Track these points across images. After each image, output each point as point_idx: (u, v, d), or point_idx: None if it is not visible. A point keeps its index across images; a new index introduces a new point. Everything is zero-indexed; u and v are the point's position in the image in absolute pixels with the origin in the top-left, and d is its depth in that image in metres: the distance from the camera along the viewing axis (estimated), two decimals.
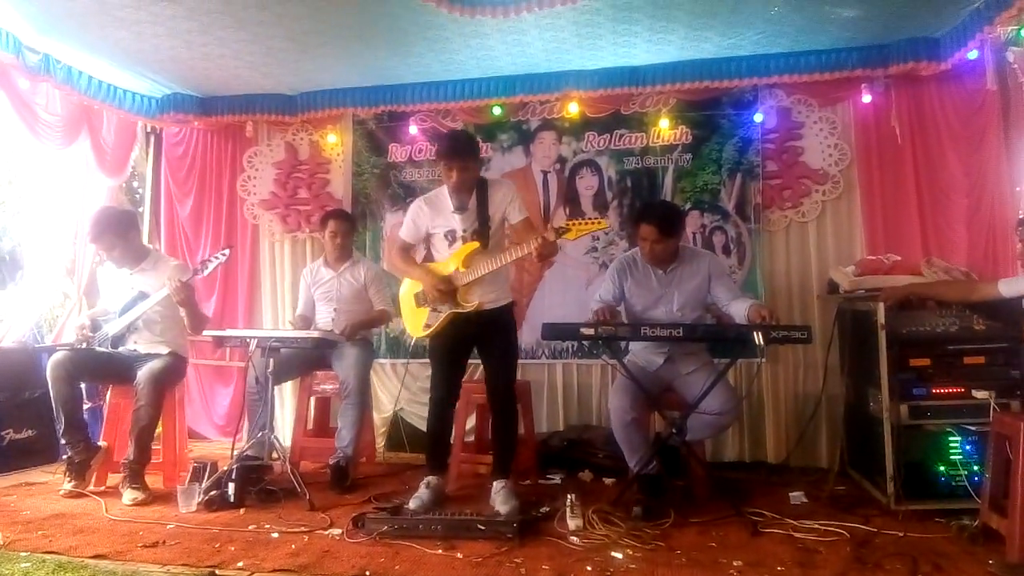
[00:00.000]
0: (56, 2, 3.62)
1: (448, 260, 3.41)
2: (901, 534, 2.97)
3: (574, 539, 2.94)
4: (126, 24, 3.86)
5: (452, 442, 3.99)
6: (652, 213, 3.59)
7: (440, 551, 2.80)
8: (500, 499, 3.31)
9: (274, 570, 2.65)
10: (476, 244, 3.33)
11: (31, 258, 4.53)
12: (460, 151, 3.30)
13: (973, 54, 3.94)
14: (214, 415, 5.23)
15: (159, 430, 3.87)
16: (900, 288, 3.38)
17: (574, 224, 3.12)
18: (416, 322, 3.53)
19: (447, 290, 3.32)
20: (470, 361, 3.65)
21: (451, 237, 3.41)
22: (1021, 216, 3.55)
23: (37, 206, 4.60)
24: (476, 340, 3.48)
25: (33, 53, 4.08)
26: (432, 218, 3.44)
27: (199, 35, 4.02)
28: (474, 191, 3.36)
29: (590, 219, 3.18)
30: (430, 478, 3.46)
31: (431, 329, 3.44)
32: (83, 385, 3.97)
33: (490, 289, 3.38)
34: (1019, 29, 3.66)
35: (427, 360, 4.18)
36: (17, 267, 4.96)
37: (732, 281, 3.97)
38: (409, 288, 3.58)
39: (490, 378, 3.49)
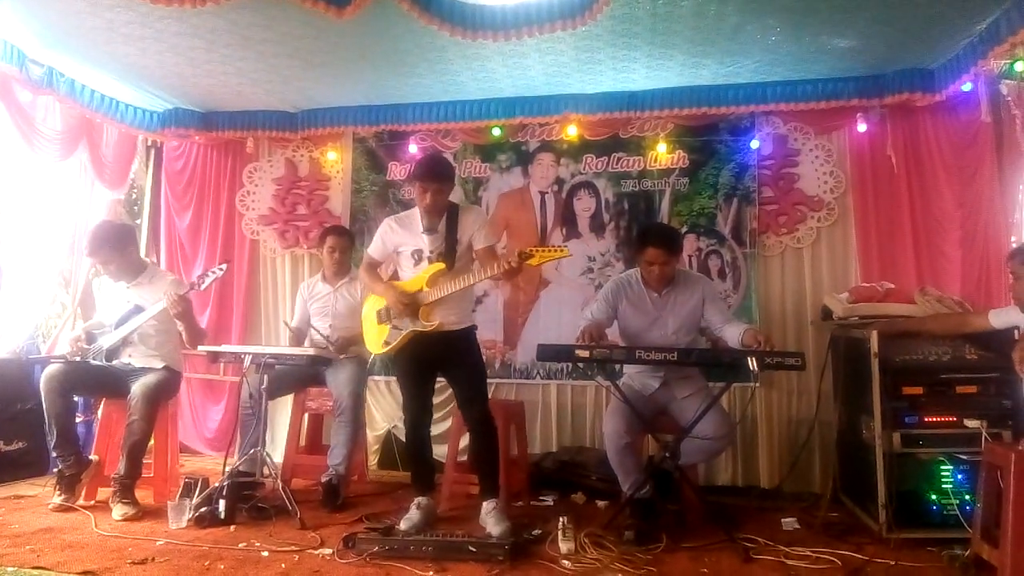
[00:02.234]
0: (63, 18, 3.66)
1: (413, 280, 3.44)
2: (893, 563, 2.97)
3: (566, 563, 2.92)
4: (131, 40, 3.90)
5: (444, 462, 4.01)
6: (657, 236, 3.62)
7: (431, 573, 2.79)
8: (492, 520, 3.29)
9: None
10: (442, 265, 3.37)
11: (24, 269, 4.52)
12: (436, 174, 3.36)
13: (967, 86, 4.00)
14: (205, 429, 5.21)
15: (151, 444, 3.85)
16: (893, 325, 3.43)
17: (538, 251, 3.14)
18: (376, 339, 3.55)
19: (410, 303, 3.35)
20: None
21: (417, 257, 3.45)
22: (1013, 248, 3.58)
23: (31, 216, 4.60)
24: (440, 363, 3.48)
25: (37, 66, 4.11)
26: (401, 237, 3.49)
27: (203, 52, 4.06)
28: (445, 214, 3.41)
29: (555, 247, 3.22)
30: (420, 499, 3.45)
31: (390, 347, 3.45)
32: (77, 398, 3.95)
33: (452, 310, 3.39)
34: (1012, 63, 3.71)
35: None
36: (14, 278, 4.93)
37: (726, 305, 3.99)
38: (372, 305, 3.61)
39: (462, 402, 3.49)
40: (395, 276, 3.66)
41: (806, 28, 3.69)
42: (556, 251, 3.20)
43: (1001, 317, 3.08)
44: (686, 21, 3.61)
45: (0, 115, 4.16)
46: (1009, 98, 4.00)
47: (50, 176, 4.62)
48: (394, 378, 4.84)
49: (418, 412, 3.51)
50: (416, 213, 3.46)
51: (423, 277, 3.38)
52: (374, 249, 3.60)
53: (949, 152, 4.32)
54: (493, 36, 3.57)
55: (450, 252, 3.38)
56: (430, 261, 3.40)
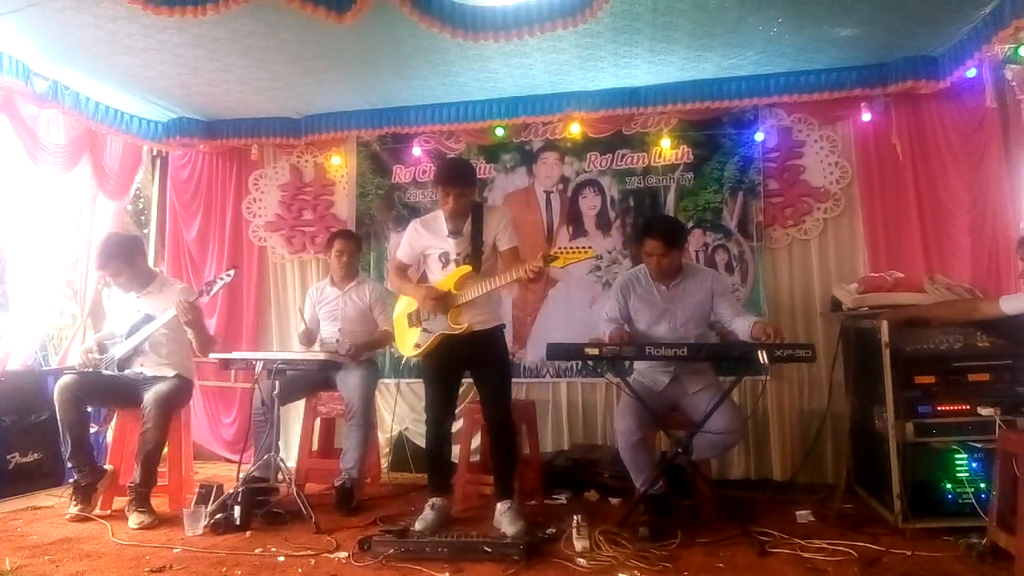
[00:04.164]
0: (66, 31, 3.68)
1: (441, 283, 3.44)
2: (909, 553, 2.96)
3: (581, 561, 2.93)
4: (134, 51, 3.92)
5: (457, 462, 4.01)
6: (656, 227, 3.62)
7: (447, 574, 2.80)
8: (506, 520, 3.30)
9: None
10: (468, 268, 3.37)
11: (31, 280, 4.56)
12: (457, 178, 3.37)
13: (971, 72, 3.97)
14: (224, 433, 5.23)
15: (165, 452, 3.87)
16: (903, 312, 3.41)
17: (562, 252, 3.16)
18: (408, 342, 3.55)
19: (440, 299, 3.33)
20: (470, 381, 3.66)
21: (444, 259, 3.45)
22: (1022, 235, 3.56)
23: (38, 228, 4.63)
24: (468, 363, 3.49)
25: (42, 79, 4.14)
26: (427, 239, 3.50)
27: (205, 61, 4.08)
28: (469, 216, 3.41)
29: (580, 248, 3.25)
30: (435, 500, 3.46)
31: (420, 349, 3.45)
32: (90, 408, 3.97)
33: (480, 311, 3.40)
34: (1016, 47, 3.69)
35: None
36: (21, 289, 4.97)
37: (735, 299, 3.98)
38: (403, 308, 3.61)
39: (486, 402, 3.50)
40: (424, 279, 3.66)
41: (807, 18, 3.67)
42: (581, 252, 3.23)
43: (1012, 303, 3.06)
44: (687, 15, 3.60)
45: (4, 129, 4.19)
46: (1014, 83, 3.97)
47: (55, 188, 4.64)
48: (405, 380, 4.88)
49: (441, 413, 3.51)
50: (440, 216, 3.47)
51: (451, 280, 3.38)
52: (402, 253, 3.61)
53: (955, 139, 4.29)
54: (495, 37, 3.57)
55: (476, 255, 3.38)
56: (457, 264, 3.41)
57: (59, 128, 4.59)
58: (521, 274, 3.16)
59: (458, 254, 3.41)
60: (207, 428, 5.22)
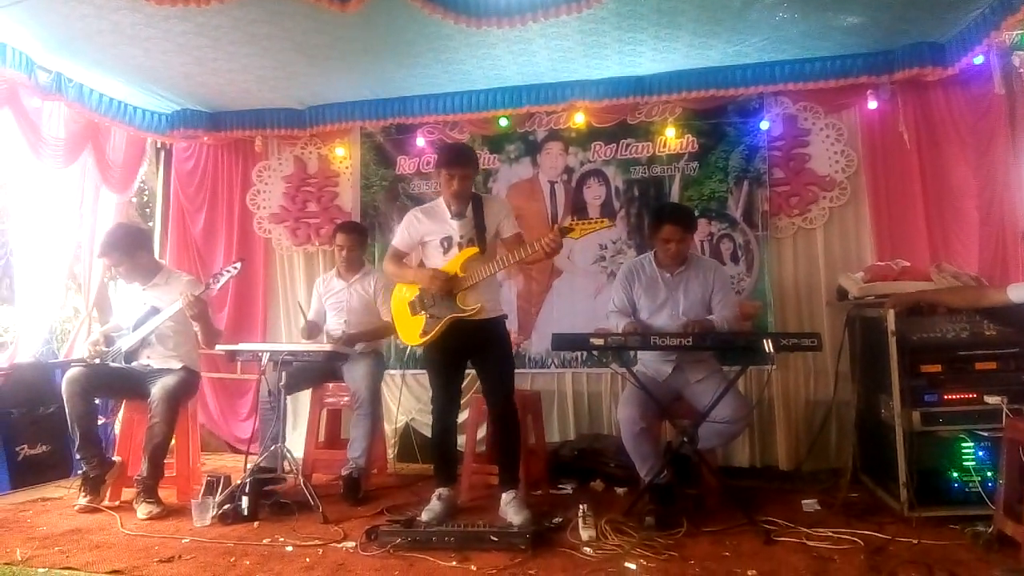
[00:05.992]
0: (69, 22, 3.68)
1: (445, 266, 3.40)
2: (915, 541, 2.96)
3: (587, 550, 2.94)
4: (137, 41, 3.91)
5: (464, 452, 4.02)
6: (672, 213, 3.67)
7: (454, 563, 2.81)
8: (512, 510, 3.31)
9: None
10: (475, 249, 3.37)
11: (36, 273, 4.57)
12: (462, 160, 3.39)
13: (979, 59, 3.94)
14: (237, 422, 5.25)
15: (172, 443, 3.88)
16: (909, 295, 3.39)
17: (578, 224, 3.14)
18: (412, 330, 3.49)
19: (447, 282, 3.31)
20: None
21: (447, 244, 3.43)
22: None
23: (43, 221, 4.64)
24: (472, 351, 3.47)
25: (45, 72, 4.14)
26: (428, 226, 3.48)
27: (209, 51, 4.07)
28: (470, 202, 3.42)
29: (594, 220, 3.22)
30: (441, 490, 3.47)
31: (428, 336, 3.40)
32: (98, 400, 3.99)
33: (487, 297, 3.40)
34: None
35: None
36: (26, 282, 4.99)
37: (733, 295, 3.88)
38: (401, 297, 3.56)
39: (490, 391, 3.49)
40: (420, 267, 3.64)
41: (812, 4, 3.65)
42: (597, 223, 3.25)
43: (1020, 292, 3.03)
44: (691, 0, 3.57)
45: (7, 122, 4.18)
46: (1022, 70, 3.94)
47: (59, 181, 4.65)
48: (411, 371, 4.89)
49: (446, 403, 3.51)
50: (441, 203, 3.47)
51: (456, 262, 3.36)
52: (399, 241, 3.58)
53: (962, 126, 4.26)
54: (498, 23, 3.56)
55: (481, 237, 3.38)
56: (460, 247, 3.40)
57: (59, 121, 4.58)
58: (537, 248, 3.15)
59: (462, 236, 3.40)
60: (221, 419, 5.24)
